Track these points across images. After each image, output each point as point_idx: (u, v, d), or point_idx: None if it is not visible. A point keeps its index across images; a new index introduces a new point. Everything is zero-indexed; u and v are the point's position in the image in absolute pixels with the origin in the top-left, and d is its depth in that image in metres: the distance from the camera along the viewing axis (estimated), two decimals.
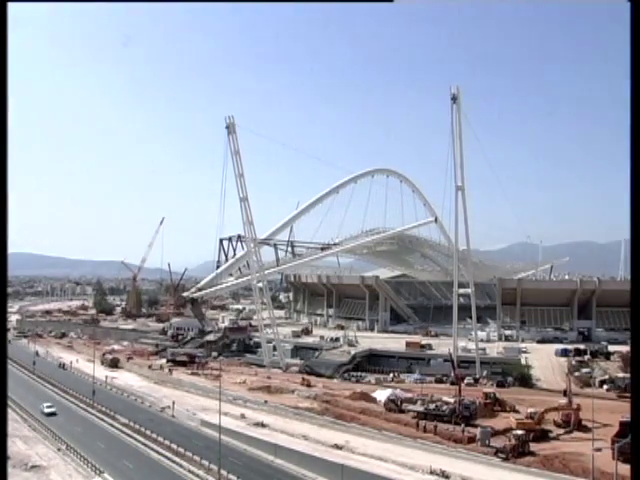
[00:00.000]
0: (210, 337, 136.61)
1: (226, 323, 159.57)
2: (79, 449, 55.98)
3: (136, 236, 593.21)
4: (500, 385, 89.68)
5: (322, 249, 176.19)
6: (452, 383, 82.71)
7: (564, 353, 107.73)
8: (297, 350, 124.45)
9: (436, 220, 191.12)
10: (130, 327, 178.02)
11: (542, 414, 64.20)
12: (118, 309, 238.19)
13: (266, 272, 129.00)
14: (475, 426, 62.29)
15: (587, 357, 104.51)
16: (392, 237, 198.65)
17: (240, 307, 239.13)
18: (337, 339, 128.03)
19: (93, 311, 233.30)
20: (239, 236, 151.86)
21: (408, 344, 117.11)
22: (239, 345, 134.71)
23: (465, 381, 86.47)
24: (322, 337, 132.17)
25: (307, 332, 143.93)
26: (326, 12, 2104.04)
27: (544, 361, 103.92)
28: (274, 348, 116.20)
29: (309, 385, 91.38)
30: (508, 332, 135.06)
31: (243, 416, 70.69)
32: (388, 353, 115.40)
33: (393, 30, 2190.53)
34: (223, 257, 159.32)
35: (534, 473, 49.02)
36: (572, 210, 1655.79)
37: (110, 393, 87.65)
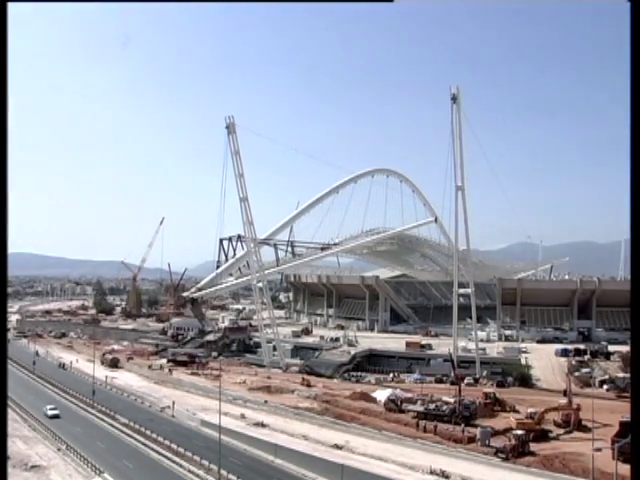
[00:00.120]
0: (210, 337, 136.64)
1: (226, 323, 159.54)
2: (79, 449, 55.93)
3: (136, 236, 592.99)
4: (500, 385, 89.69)
5: (322, 249, 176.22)
6: (452, 383, 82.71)
7: (564, 353, 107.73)
8: (297, 350, 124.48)
9: (436, 220, 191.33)
10: (130, 327, 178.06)
11: (542, 414, 64.23)
12: (118, 309, 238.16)
13: (266, 272, 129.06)
14: (475, 426, 62.29)
15: (587, 357, 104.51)
16: (392, 237, 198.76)
17: (240, 307, 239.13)
18: (337, 339, 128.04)
19: (93, 311, 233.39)
20: (239, 236, 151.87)
21: (408, 344, 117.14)
22: (239, 345, 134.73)
23: (465, 381, 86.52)
24: (322, 337, 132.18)
25: (307, 332, 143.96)
26: (326, 12, 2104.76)
27: (544, 361, 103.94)
28: (274, 348, 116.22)
29: (309, 385, 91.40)
30: (508, 332, 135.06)
31: (243, 416, 70.70)
32: (388, 353, 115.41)
33: (393, 30, 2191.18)
34: (223, 257, 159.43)
35: (534, 473, 49.03)
36: (572, 210, 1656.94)
37: (110, 393, 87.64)
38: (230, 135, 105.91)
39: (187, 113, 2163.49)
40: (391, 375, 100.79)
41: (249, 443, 57.79)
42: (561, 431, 62.45)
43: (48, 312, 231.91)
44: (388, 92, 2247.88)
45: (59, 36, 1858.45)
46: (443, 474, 48.62)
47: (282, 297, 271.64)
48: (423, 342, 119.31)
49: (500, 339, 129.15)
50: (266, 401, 79.67)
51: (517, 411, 70.82)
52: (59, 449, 57.74)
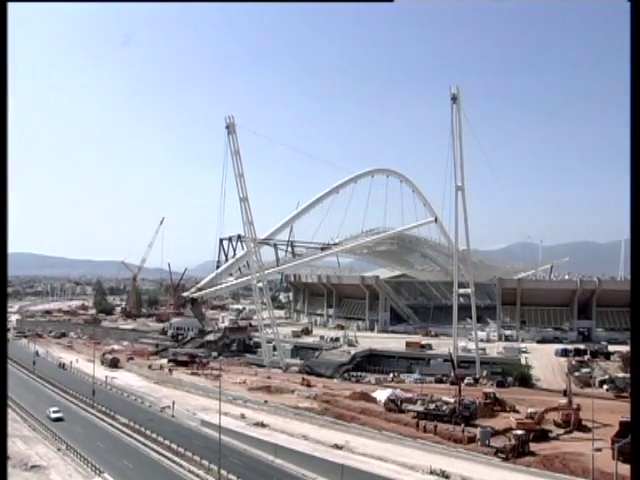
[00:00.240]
0: (210, 337, 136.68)
1: (226, 323, 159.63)
2: (79, 449, 55.95)
3: (136, 236, 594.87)
4: (500, 385, 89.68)
5: (322, 249, 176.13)
6: (452, 383, 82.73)
7: (564, 353, 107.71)
8: (297, 350, 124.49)
9: (436, 220, 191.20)
10: (130, 327, 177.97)
11: (542, 414, 64.20)
12: (118, 309, 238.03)
13: (266, 272, 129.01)
14: (475, 426, 62.27)
15: (587, 357, 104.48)
16: (392, 237, 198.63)
17: (240, 307, 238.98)
18: (337, 339, 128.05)
19: (93, 311, 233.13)
20: (239, 236, 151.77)
21: (408, 344, 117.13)
22: (239, 345, 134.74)
23: (465, 381, 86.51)
24: (322, 337, 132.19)
25: (307, 332, 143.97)
26: (326, 12, 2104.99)
27: (544, 361, 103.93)
28: (274, 348, 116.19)
29: (309, 385, 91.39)
30: (508, 332, 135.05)
31: (243, 416, 70.69)
32: (388, 353, 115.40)
33: (393, 30, 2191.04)
34: (223, 257, 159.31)
35: (534, 473, 49.02)
36: (572, 210, 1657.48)
37: (110, 393, 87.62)
38: (230, 135, 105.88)
39: (187, 113, 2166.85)
40: (391, 375, 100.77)
41: (249, 443, 57.79)
42: (561, 431, 62.41)
43: (48, 312, 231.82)
44: (388, 92, 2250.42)
45: (59, 36, 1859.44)
46: (443, 474, 48.61)
47: (282, 297, 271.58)
48: (423, 342, 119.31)
49: (500, 339, 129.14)
50: (266, 401, 79.65)
51: (517, 411, 70.77)
52: (59, 449, 57.75)
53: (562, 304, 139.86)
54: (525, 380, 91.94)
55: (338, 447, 57.41)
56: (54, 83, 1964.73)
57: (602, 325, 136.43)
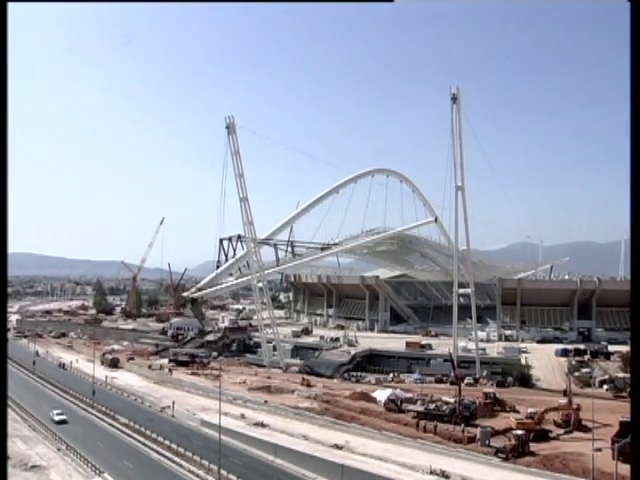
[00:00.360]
0: (210, 337, 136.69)
1: (226, 323, 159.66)
2: (79, 449, 55.95)
3: (136, 236, 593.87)
4: (500, 385, 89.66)
5: (322, 249, 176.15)
6: (452, 383, 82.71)
7: (564, 353, 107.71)
8: (297, 350, 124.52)
9: (436, 220, 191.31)
10: (130, 327, 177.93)
11: (542, 414, 64.19)
12: (118, 309, 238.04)
13: (266, 272, 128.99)
14: (475, 426, 62.25)
15: (587, 357, 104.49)
16: (392, 237, 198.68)
17: (240, 307, 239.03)
18: (337, 339, 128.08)
19: (93, 311, 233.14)
20: (239, 236, 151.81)
21: (408, 344, 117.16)
22: (239, 345, 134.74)
23: (465, 381, 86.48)
24: (322, 337, 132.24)
25: (307, 332, 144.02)
26: (326, 12, 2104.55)
27: (544, 361, 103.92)
28: (274, 348, 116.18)
29: (309, 385, 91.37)
30: (508, 332, 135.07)
31: (243, 416, 70.67)
32: (388, 353, 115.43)
33: (393, 30, 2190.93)
34: (223, 257, 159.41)
35: (534, 473, 48.99)
36: (572, 210, 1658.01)
37: (110, 393, 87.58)
38: (230, 135, 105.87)
39: (187, 113, 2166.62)
40: (391, 375, 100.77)
41: (249, 443, 57.78)
42: (561, 431, 62.38)
43: (48, 312, 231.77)
44: (388, 92, 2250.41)
45: (59, 36, 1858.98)
46: (443, 474, 48.59)
47: (282, 297, 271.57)
48: (423, 342, 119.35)
49: (500, 339, 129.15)
50: (266, 401, 79.63)
51: (517, 411, 70.75)
52: (59, 449, 57.74)
53: (562, 304, 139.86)
54: (525, 380, 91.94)
55: (338, 447, 57.38)
56: (54, 83, 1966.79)
57: (602, 325, 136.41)
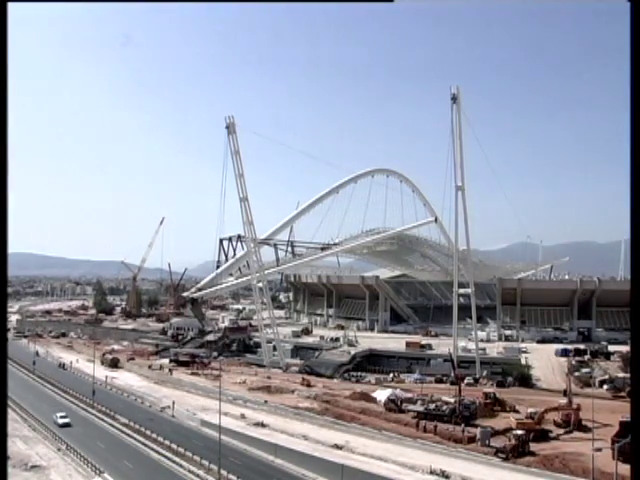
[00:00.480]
0: (210, 337, 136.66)
1: (226, 323, 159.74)
2: (79, 449, 55.94)
3: (136, 236, 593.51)
4: (500, 385, 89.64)
5: (322, 249, 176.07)
6: (452, 383, 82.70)
7: (564, 353, 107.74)
8: (297, 350, 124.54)
9: (436, 220, 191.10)
10: (130, 327, 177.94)
11: (542, 414, 64.18)
12: (118, 309, 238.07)
13: (266, 272, 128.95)
14: (475, 426, 62.24)
15: (587, 357, 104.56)
16: (392, 237, 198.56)
17: (240, 307, 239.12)
18: (337, 339, 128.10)
19: (93, 311, 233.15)
20: (239, 236, 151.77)
21: (408, 344, 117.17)
22: (239, 345, 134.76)
23: (465, 381, 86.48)
24: (322, 337, 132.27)
25: (307, 332, 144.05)
26: (326, 12, 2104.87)
27: (544, 361, 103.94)
28: (274, 348, 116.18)
29: (309, 385, 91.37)
30: (508, 332, 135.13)
31: (243, 416, 70.66)
32: (388, 353, 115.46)
33: (393, 30, 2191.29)
34: (223, 257, 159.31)
35: (534, 473, 48.98)
36: (572, 210, 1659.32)
37: (110, 393, 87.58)
38: (230, 135, 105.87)
39: (187, 113, 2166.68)
40: (391, 375, 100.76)
41: (249, 443, 57.77)
42: (561, 431, 62.36)
43: (48, 312, 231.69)
44: (388, 92, 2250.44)
45: (59, 36, 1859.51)
46: (443, 474, 48.59)
47: (282, 297, 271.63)
48: (423, 342, 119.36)
49: (500, 339, 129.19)
50: (266, 401, 79.62)
51: (517, 411, 70.73)
52: (59, 449, 57.72)
53: (562, 304, 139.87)
54: (525, 380, 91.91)
55: (338, 447, 57.37)
56: (54, 83, 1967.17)
57: (602, 325, 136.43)
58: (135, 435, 62.40)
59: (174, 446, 56.15)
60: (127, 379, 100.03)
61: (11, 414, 68.23)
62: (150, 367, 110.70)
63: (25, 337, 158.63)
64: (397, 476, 47.60)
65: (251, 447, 56.82)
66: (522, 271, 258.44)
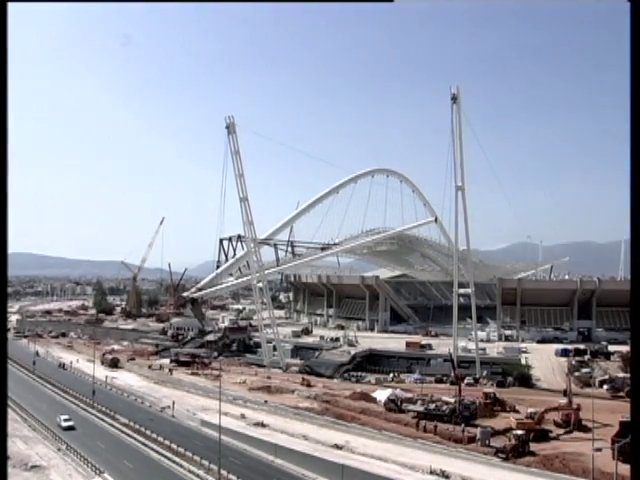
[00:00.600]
0: (210, 337, 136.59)
1: (226, 323, 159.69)
2: (79, 449, 55.94)
3: (136, 236, 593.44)
4: (500, 385, 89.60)
5: (322, 249, 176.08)
6: (452, 383, 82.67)
7: (564, 353, 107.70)
8: (297, 350, 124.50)
9: (436, 220, 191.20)
10: (130, 327, 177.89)
11: (542, 414, 64.18)
12: (118, 309, 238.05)
13: (266, 272, 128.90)
14: (475, 426, 62.22)
15: (587, 357, 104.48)
16: (392, 237, 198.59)
17: (240, 307, 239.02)
18: (337, 339, 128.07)
19: (93, 311, 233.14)
20: (239, 236, 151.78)
21: (408, 344, 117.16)
22: (239, 345, 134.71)
23: (465, 381, 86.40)
24: (322, 337, 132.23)
25: (307, 332, 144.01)
26: (326, 12, 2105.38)
27: (544, 361, 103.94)
28: (274, 348, 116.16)
29: (309, 385, 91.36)
30: (508, 332, 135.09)
31: (243, 416, 70.65)
32: (388, 353, 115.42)
33: (393, 30, 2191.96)
34: (223, 257, 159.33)
35: (534, 473, 48.98)
36: (572, 210, 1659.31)
37: (110, 393, 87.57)
38: (230, 135, 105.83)
39: (187, 113, 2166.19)
40: (391, 375, 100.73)
41: (249, 443, 57.76)
42: (561, 431, 62.34)
43: (48, 312, 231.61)
44: (388, 92, 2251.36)
45: (59, 36, 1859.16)
46: (443, 474, 48.58)
47: (282, 297, 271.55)
48: (423, 342, 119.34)
49: (500, 339, 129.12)
50: (266, 401, 79.61)
51: (517, 411, 70.70)
52: (59, 449, 57.72)
53: (562, 304, 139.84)
54: (525, 380, 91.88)
55: (338, 447, 57.36)
56: (54, 83, 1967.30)
57: (602, 325, 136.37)
58: (135, 435, 62.38)
59: (174, 446, 56.14)
60: (127, 379, 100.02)
61: (11, 414, 68.21)
62: (150, 367, 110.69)
63: (25, 337, 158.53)
64: (397, 476, 47.61)
65: (251, 447, 56.80)
66: (522, 271, 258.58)
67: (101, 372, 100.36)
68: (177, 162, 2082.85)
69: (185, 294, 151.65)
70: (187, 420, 69.87)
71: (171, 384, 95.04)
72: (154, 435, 60.57)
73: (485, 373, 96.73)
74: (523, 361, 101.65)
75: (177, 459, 53.33)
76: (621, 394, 77.53)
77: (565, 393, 70.52)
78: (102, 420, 70.18)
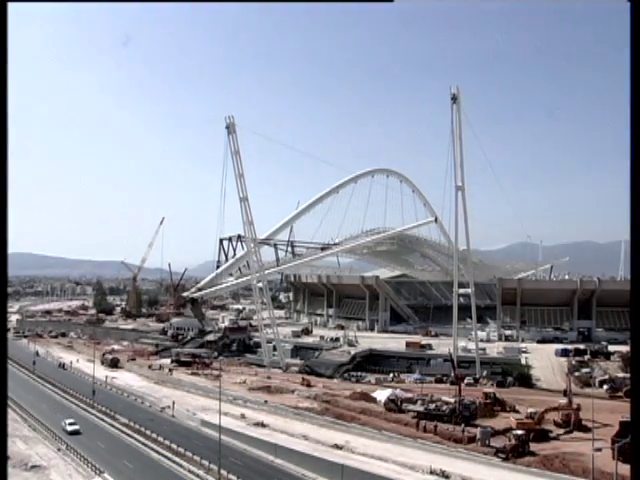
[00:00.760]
0: (210, 337, 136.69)
1: (226, 323, 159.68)
2: (79, 449, 55.93)
3: (136, 236, 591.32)
4: (500, 385, 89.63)
5: (322, 249, 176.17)
6: (452, 383, 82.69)
7: (564, 353, 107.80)
8: (297, 350, 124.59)
9: (436, 220, 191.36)
10: (130, 327, 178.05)
11: (542, 414, 64.14)
12: (118, 309, 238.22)
13: (266, 272, 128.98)
14: (475, 426, 62.20)
15: (587, 357, 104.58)
16: (392, 237, 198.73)
17: (240, 307, 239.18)
18: (337, 339, 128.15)
19: (93, 311, 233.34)
20: (239, 236, 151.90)
21: (408, 344, 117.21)
22: (239, 345, 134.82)
23: (465, 381, 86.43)
24: (322, 337, 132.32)
25: (307, 332, 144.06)
26: (326, 12, 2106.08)
27: (544, 361, 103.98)
28: (274, 348, 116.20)
29: (309, 385, 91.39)
30: (508, 332, 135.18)
31: (243, 416, 70.66)
32: (388, 353, 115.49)
33: (393, 30, 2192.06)
34: (223, 257, 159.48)
35: (534, 473, 48.95)
36: (572, 210, 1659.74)
37: (110, 393, 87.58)
38: (230, 135, 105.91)
39: (187, 113, 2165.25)
40: (391, 375, 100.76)
41: (249, 443, 57.76)
42: (561, 431, 62.32)
43: (48, 312, 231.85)
44: (388, 92, 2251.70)
45: (59, 35, 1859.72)
46: (443, 474, 48.56)
47: (282, 297, 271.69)
48: (423, 342, 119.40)
49: (500, 339, 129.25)
50: (266, 401, 79.61)
51: (517, 411, 70.69)
52: (59, 449, 57.71)
53: (562, 304, 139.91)
54: (525, 380, 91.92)
55: (338, 447, 57.34)
56: (54, 83, 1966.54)
57: (602, 325, 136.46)
58: (135, 435, 62.39)
59: (174, 446, 56.16)
60: (127, 379, 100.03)
61: (11, 414, 68.24)
62: (150, 367, 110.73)
63: (25, 337, 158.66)
64: (397, 476, 47.58)
65: (251, 447, 56.81)
66: (522, 271, 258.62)
67: (101, 372, 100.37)
68: (177, 162, 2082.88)
69: (185, 294, 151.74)
70: (187, 420, 69.87)
71: (171, 384, 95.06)
72: (154, 435, 60.57)
73: (485, 373, 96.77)
74: (523, 361, 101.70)
75: (177, 459, 53.31)
76: (619, 394, 77.56)
77: (565, 393, 70.48)
78: (102, 420, 70.19)
